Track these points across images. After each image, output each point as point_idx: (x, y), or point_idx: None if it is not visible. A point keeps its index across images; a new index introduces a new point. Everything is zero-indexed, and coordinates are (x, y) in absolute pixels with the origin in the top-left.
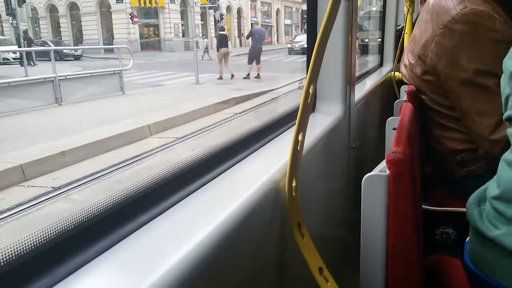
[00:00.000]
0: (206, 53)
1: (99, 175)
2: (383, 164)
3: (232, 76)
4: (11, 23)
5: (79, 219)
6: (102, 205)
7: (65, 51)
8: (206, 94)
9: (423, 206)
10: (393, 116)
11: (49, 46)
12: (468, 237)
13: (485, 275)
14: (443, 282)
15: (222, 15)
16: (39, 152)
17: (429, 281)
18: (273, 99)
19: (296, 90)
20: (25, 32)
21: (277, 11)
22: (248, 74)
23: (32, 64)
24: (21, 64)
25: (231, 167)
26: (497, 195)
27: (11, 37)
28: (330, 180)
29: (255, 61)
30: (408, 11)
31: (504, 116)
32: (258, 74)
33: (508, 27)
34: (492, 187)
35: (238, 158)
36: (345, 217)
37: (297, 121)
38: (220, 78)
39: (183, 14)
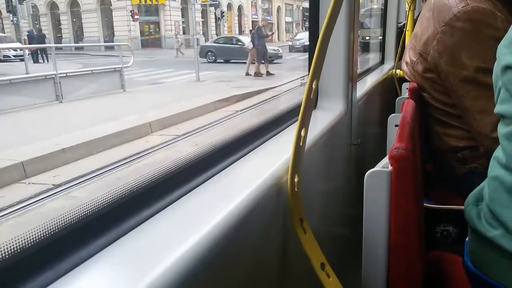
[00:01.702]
0: (178, 50)
1: (99, 172)
2: (385, 160)
3: (247, 74)
4: (12, 20)
5: (81, 214)
6: (104, 201)
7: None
8: (207, 92)
9: (424, 204)
10: (394, 113)
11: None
12: (468, 237)
13: (484, 275)
14: (444, 279)
15: (223, 12)
16: (39, 149)
17: (430, 277)
18: (273, 97)
19: (297, 88)
20: (40, 30)
21: (278, 8)
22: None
23: (44, 61)
24: (35, 61)
25: (233, 162)
26: (491, 196)
27: (11, 34)
28: (332, 177)
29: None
30: (409, 9)
31: (495, 110)
32: (255, 72)
33: (509, 24)
34: (487, 187)
35: (241, 154)
36: (346, 213)
37: (299, 116)
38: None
39: (184, 12)
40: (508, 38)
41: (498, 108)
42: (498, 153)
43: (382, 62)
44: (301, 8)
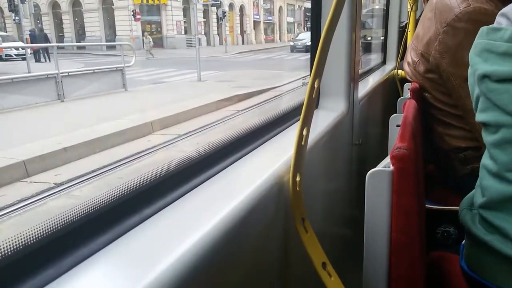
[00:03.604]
0: (148, 51)
1: (101, 171)
2: (387, 160)
3: None
4: (14, 20)
5: (82, 212)
6: (106, 198)
7: None
8: (208, 91)
9: (425, 205)
10: (395, 113)
11: None
12: (464, 240)
13: (481, 278)
14: (445, 280)
15: (225, 12)
16: (41, 148)
17: (430, 278)
18: (274, 96)
19: (297, 88)
20: (41, 29)
21: (280, 8)
22: None
23: (45, 60)
24: (37, 60)
25: (235, 161)
26: (483, 204)
27: (13, 34)
28: (333, 176)
29: None
30: (411, 9)
31: (477, 118)
32: None
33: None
34: (478, 194)
35: (243, 153)
36: (348, 213)
37: (301, 115)
38: None
39: (186, 11)
40: (478, 46)
41: (480, 117)
42: (486, 161)
43: (383, 62)
44: (303, 8)
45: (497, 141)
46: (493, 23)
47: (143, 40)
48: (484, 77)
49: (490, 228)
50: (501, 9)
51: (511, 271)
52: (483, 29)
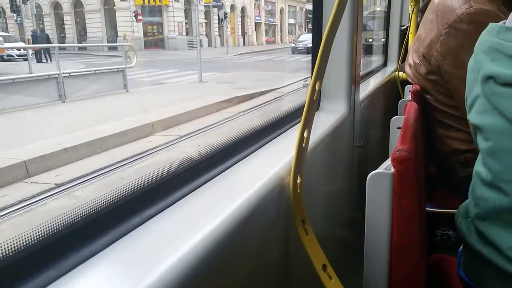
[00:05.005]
0: (126, 54)
1: (102, 172)
2: (388, 162)
3: None
4: (15, 20)
5: (83, 213)
6: (107, 200)
7: None
8: (209, 93)
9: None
10: (396, 115)
11: None
12: (461, 247)
13: (476, 284)
14: (445, 282)
15: (226, 13)
16: (42, 149)
17: (431, 279)
18: (276, 98)
19: (298, 90)
20: (42, 30)
21: (281, 10)
22: None
23: (47, 61)
24: (38, 60)
25: (236, 163)
26: (477, 215)
27: (15, 34)
28: (334, 178)
29: None
30: (413, 11)
31: (470, 118)
32: None
33: None
34: (471, 203)
35: (244, 154)
36: (348, 215)
37: (303, 117)
38: None
39: (187, 13)
40: (487, 44)
41: (476, 119)
42: (479, 168)
43: (385, 64)
44: (304, 10)
45: (491, 148)
46: None
47: (123, 37)
48: (489, 78)
49: (484, 240)
50: (502, 11)
51: (507, 284)
52: (494, 26)
